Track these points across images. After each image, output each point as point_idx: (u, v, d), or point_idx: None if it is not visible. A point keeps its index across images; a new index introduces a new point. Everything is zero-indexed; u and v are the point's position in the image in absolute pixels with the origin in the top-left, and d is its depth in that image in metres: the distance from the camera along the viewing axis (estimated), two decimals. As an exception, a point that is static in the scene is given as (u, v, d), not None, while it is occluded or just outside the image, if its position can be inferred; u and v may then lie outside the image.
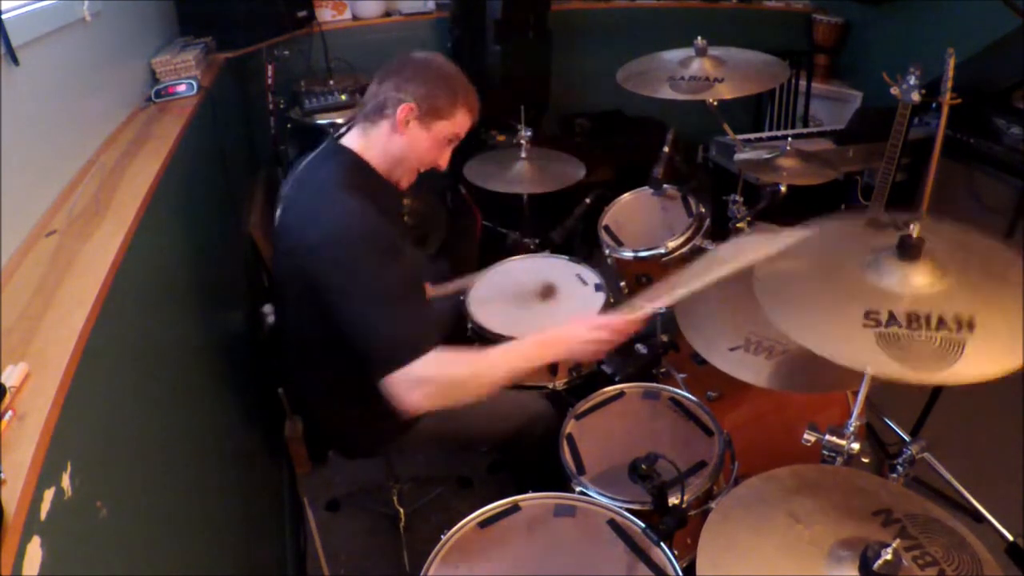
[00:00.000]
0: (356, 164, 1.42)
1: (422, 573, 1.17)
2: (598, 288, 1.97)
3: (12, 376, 0.75)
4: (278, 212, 1.48)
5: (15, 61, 1.07)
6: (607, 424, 1.57)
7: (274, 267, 1.55)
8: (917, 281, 1.01)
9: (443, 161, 1.47)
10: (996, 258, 1.08)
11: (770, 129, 3.61)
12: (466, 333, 1.91)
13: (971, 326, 0.94)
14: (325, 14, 3.18)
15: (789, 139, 2.03)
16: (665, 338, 1.91)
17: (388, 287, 1.29)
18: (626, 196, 2.27)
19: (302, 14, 2.86)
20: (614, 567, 1.21)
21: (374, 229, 1.30)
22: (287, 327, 1.56)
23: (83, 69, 1.45)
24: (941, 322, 0.95)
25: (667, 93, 1.92)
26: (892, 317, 0.97)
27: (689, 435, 1.52)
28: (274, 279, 1.58)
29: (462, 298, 1.92)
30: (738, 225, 1.99)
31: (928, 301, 0.99)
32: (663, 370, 1.84)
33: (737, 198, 2.00)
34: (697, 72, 1.97)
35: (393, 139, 1.40)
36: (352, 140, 1.44)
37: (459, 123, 1.43)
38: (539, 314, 1.90)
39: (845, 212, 2.55)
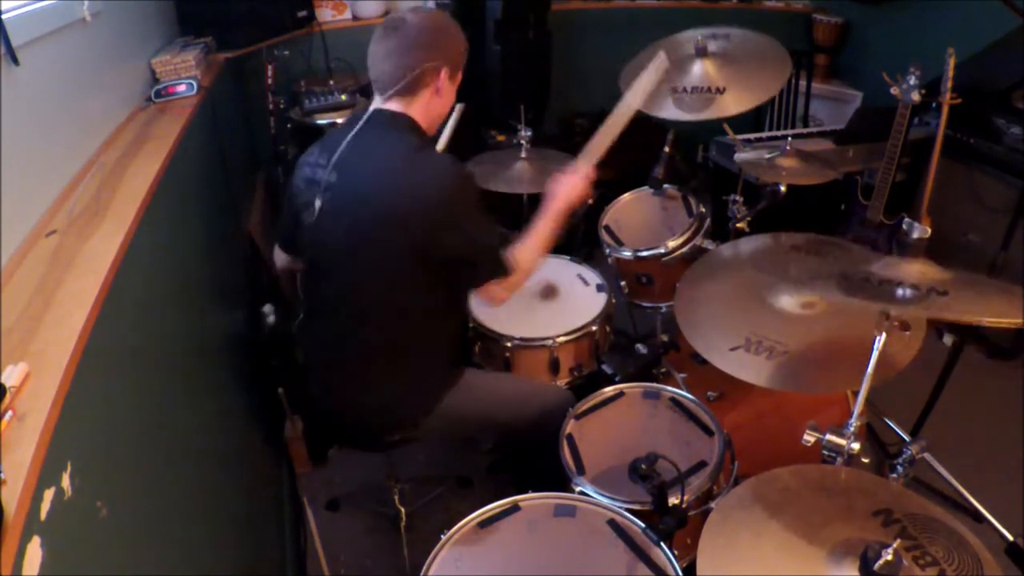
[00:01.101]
0: (414, 127, 1.49)
1: (422, 573, 1.17)
2: (600, 288, 1.97)
3: (12, 376, 0.75)
4: (317, 204, 1.47)
5: (15, 61, 1.07)
6: (607, 424, 1.57)
7: (317, 254, 1.54)
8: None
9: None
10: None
11: (770, 129, 3.61)
12: (467, 332, 1.91)
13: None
14: (325, 14, 3.18)
15: (789, 139, 2.03)
16: (665, 338, 1.91)
17: (490, 217, 1.49)
18: (626, 196, 2.27)
19: (302, 14, 2.86)
20: (614, 567, 1.21)
21: (468, 173, 1.48)
22: (322, 310, 1.58)
23: (83, 69, 1.45)
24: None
25: (672, 112, 1.91)
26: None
27: (689, 435, 1.52)
28: (314, 266, 1.57)
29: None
30: (738, 225, 1.99)
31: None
32: (663, 370, 1.84)
33: (737, 198, 2.00)
34: (699, 81, 1.94)
35: (434, 102, 1.52)
36: (398, 107, 1.48)
37: (464, 63, 1.56)
38: (541, 314, 1.91)
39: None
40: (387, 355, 1.56)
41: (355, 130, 1.48)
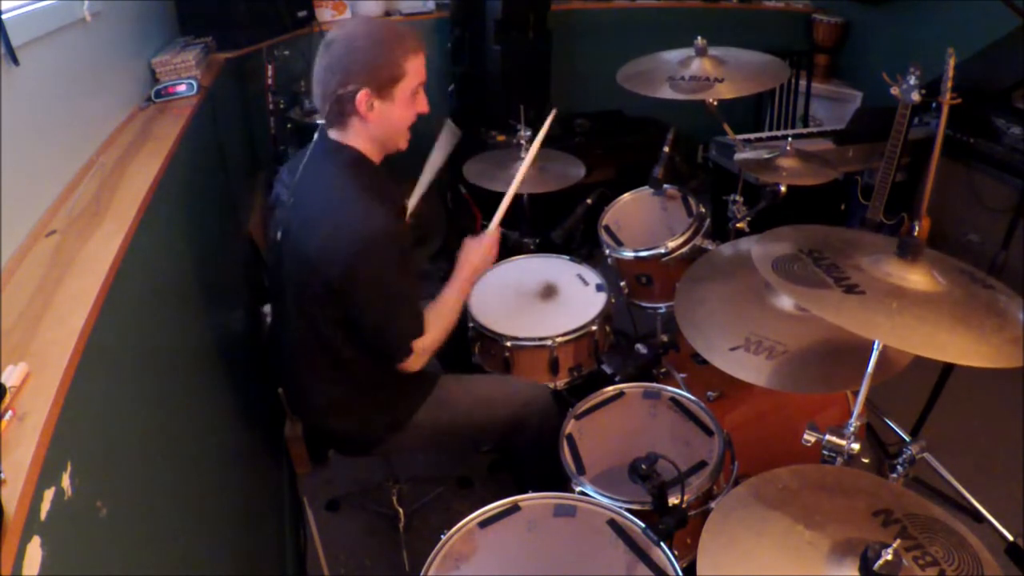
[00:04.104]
0: (356, 160, 1.43)
1: (422, 573, 1.17)
2: (599, 288, 1.97)
3: (12, 376, 0.75)
4: (279, 223, 1.48)
5: (15, 61, 1.07)
6: (607, 424, 1.57)
7: (276, 272, 1.55)
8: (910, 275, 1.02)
9: (423, 108, 1.45)
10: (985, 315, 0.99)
11: (770, 129, 3.61)
12: (467, 332, 1.91)
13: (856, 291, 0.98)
14: (325, 14, 3.18)
15: (789, 139, 2.03)
16: (665, 338, 1.91)
17: (405, 287, 1.44)
18: (626, 196, 2.27)
19: (302, 14, 2.85)
20: (614, 567, 1.21)
21: (393, 233, 1.36)
22: (287, 329, 1.56)
23: (83, 69, 1.45)
24: (851, 286, 1.00)
25: (667, 93, 1.92)
26: (819, 258, 1.06)
27: (689, 435, 1.52)
28: (275, 283, 1.58)
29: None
30: (738, 225, 1.99)
31: (876, 276, 1.02)
32: (663, 370, 1.84)
33: (737, 198, 2.00)
34: (697, 72, 1.97)
35: (368, 127, 1.40)
36: (338, 137, 1.44)
37: (414, 72, 1.39)
38: (540, 314, 1.90)
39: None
40: (335, 378, 1.53)
41: (307, 155, 1.48)
